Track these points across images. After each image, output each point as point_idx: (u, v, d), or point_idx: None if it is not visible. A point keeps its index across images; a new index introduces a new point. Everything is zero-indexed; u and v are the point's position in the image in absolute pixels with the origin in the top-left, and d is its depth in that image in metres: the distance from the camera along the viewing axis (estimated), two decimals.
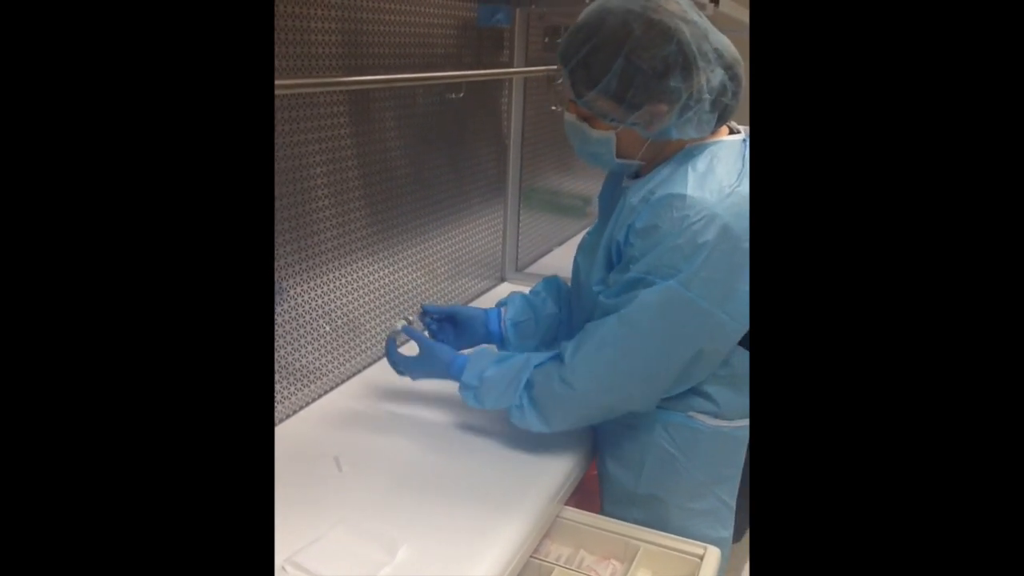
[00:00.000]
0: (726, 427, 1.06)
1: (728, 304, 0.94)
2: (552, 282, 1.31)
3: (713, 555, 1.04)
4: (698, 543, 1.06)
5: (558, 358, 1.04)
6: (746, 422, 1.06)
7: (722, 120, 0.98)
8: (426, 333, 1.26)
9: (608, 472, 1.17)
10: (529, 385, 1.06)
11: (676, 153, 0.99)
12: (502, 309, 1.28)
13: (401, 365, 1.20)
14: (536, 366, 1.06)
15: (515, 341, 1.26)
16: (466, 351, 1.16)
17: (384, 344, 1.25)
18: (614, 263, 1.01)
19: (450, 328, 1.29)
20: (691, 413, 1.06)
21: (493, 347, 1.18)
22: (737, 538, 1.12)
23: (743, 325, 0.96)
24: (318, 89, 1.18)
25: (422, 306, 1.29)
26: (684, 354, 0.97)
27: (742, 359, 1.02)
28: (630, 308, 0.95)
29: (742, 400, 1.04)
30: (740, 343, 1.00)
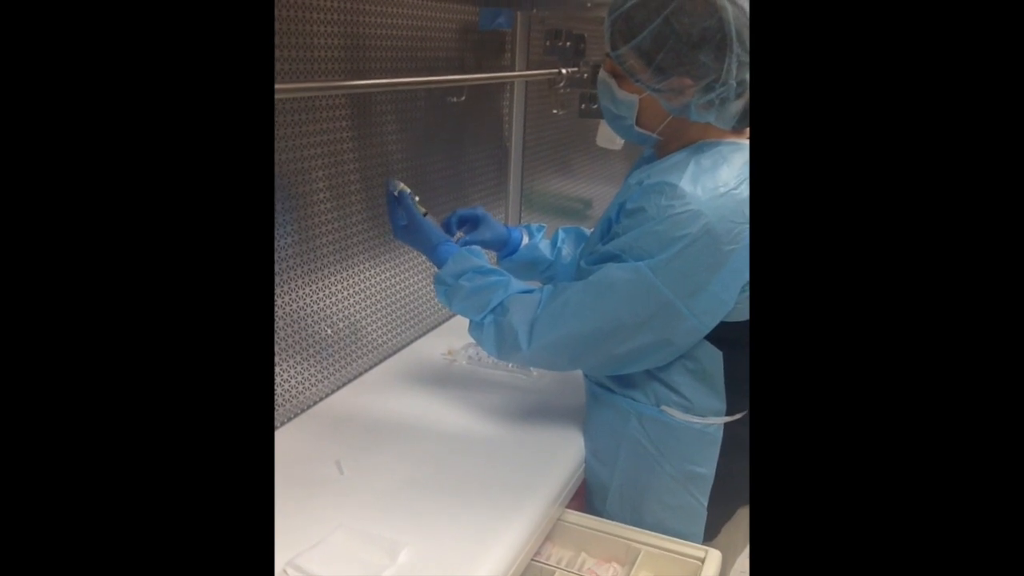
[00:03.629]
0: (698, 423, 1.06)
1: (693, 300, 0.95)
2: (573, 232, 1.34)
3: (714, 558, 1.04)
4: (699, 546, 1.06)
5: (536, 299, 1.06)
6: (720, 421, 1.06)
7: (745, 122, 0.99)
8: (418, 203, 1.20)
9: (589, 465, 1.19)
10: (499, 310, 1.07)
11: (690, 144, 1.00)
12: (523, 236, 1.31)
13: (394, 222, 1.20)
14: (512, 294, 1.08)
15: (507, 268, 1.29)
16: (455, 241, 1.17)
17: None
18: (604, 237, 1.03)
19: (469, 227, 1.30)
20: (663, 407, 1.07)
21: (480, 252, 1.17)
22: (709, 538, 1.13)
23: (704, 324, 0.98)
24: (319, 93, 1.18)
25: (457, 211, 1.28)
26: (638, 336, 0.98)
27: (712, 356, 1.03)
28: (596, 276, 0.98)
29: (714, 398, 1.05)
30: (712, 341, 1.01)
